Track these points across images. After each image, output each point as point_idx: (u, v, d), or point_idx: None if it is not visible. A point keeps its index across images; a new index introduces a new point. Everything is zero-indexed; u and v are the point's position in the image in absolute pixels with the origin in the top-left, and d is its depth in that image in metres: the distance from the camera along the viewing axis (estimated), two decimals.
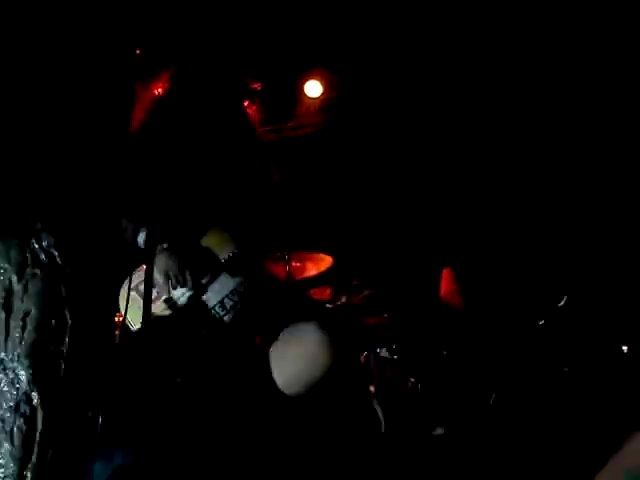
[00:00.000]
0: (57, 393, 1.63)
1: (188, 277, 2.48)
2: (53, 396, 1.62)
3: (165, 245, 2.47)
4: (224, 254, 2.57)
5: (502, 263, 3.72)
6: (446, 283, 3.66)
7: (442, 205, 3.80)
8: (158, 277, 2.51)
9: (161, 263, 2.45)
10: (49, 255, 1.79)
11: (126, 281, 2.49)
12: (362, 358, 4.15)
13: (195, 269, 2.51)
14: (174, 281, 2.47)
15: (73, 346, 1.72)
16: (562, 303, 3.61)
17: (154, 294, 2.50)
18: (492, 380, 3.46)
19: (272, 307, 3.92)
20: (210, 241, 2.62)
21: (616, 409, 3.25)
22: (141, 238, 2.40)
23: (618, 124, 4.22)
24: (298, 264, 4.11)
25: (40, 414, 1.58)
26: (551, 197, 3.99)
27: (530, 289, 3.69)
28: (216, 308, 2.56)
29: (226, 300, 2.60)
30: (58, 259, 1.79)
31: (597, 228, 4.08)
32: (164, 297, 2.49)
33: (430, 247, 3.81)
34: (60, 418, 1.61)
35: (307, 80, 5.43)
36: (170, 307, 2.50)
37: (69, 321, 1.74)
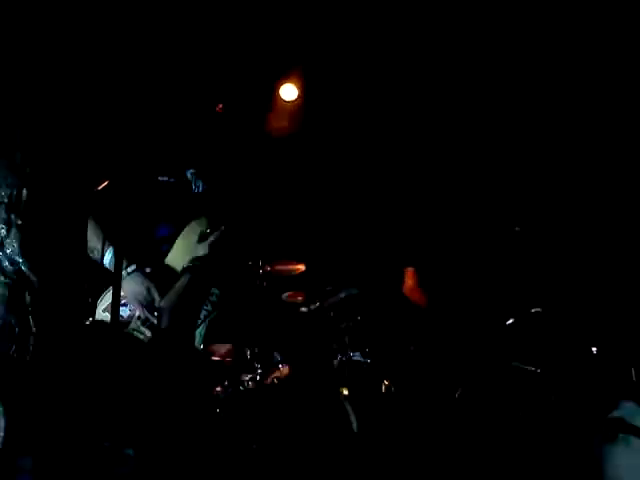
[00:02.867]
0: (19, 399, 1.63)
1: (157, 298, 2.50)
2: (16, 402, 1.63)
3: (130, 269, 2.49)
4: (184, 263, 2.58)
5: (467, 260, 3.76)
6: (409, 281, 3.70)
7: (404, 205, 3.85)
8: (129, 300, 2.52)
9: (129, 288, 2.47)
10: (13, 263, 1.79)
11: (98, 301, 2.50)
12: (335, 362, 4.18)
13: (163, 288, 2.52)
14: (144, 304, 2.48)
15: (37, 353, 1.72)
16: (534, 310, 3.65)
17: (128, 312, 2.52)
18: (458, 375, 3.49)
19: (248, 314, 3.94)
20: (174, 255, 2.63)
21: (583, 408, 3.30)
22: (107, 259, 2.42)
23: (601, 123, 4.26)
24: (270, 269, 4.11)
25: (2, 421, 1.59)
26: (520, 197, 4.03)
27: (496, 287, 3.74)
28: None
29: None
30: (22, 266, 1.79)
31: (569, 228, 4.13)
32: (137, 315, 2.51)
33: (393, 248, 3.85)
34: (22, 422, 1.62)
35: (283, 83, 5.46)
36: (145, 325, 2.52)
37: (33, 328, 1.74)
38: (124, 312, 2.58)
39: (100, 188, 2.51)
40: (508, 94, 4.46)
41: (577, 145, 4.30)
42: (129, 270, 2.51)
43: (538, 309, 3.65)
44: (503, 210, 3.80)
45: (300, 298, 4.33)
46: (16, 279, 1.77)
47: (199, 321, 2.62)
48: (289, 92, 5.49)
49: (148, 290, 2.52)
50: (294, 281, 4.38)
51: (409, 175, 4.40)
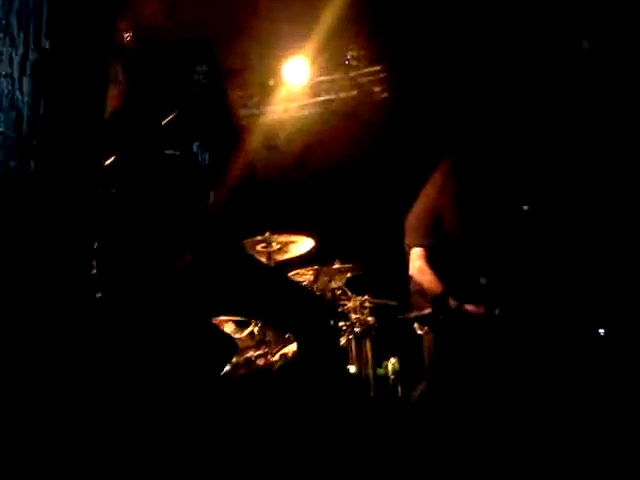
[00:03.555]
0: None
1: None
2: None
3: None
4: None
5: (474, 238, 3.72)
6: (417, 262, 3.65)
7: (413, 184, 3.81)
8: None
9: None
10: None
11: None
12: (343, 340, 4.20)
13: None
14: None
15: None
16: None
17: None
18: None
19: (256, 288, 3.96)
20: None
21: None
22: None
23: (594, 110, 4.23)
24: (279, 246, 4.12)
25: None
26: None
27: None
28: None
29: None
30: None
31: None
32: None
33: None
34: None
35: (290, 63, 5.44)
36: None
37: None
38: None
39: (107, 163, 2.50)
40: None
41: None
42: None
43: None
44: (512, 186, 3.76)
45: (309, 275, 4.33)
46: None
47: None
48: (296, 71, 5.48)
49: None
50: (303, 258, 4.38)
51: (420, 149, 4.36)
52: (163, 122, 2.53)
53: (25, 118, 1.82)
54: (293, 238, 4.21)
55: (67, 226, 1.90)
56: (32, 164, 1.81)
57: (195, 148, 2.62)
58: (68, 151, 1.90)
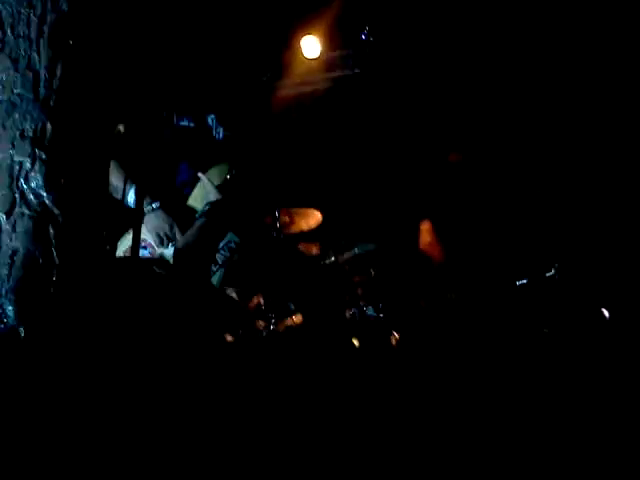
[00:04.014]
0: (43, 327, 1.69)
1: (179, 235, 2.53)
2: (39, 330, 1.68)
3: (154, 205, 2.52)
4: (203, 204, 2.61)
5: (485, 217, 3.75)
6: (425, 235, 3.69)
7: (424, 157, 3.83)
8: (149, 237, 2.56)
9: (151, 223, 2.49)
10: (37, 196, 1.83)
11: (118, 242, 2.52)
12: (347, 314, 4.23)
13: (184, 229, 2.55)
14: (165, 241, 2.51)
15: (59, 284, 1.77)
16: (552, 273, 3.65)
17: (147, 254, 2.56)
18: (470, 331, 3.52)
19: (263, 261, 3.98)
20: (194, 199, 2.66)
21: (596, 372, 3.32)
22: (130, 197, 2.44)
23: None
24: (287, 219, 4.14)
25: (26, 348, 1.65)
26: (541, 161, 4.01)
27: (514, 246, 3.74)
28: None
29: (218, 256, 2.66)
30: (46, 200, 1.83)
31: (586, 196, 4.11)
32: (156, 256, 2.55)
33: (410, 200, 3.84)
34: (46, 351, 1.67)
35: (305, 38, 5.41)
36: (162, 266, 2.55)
37: (56, 260, 1.78)
38: (142, 253, 2.61)
39: (122, 130, 2.52)
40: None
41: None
42: (153, 206, 2.54)
43: (552, 273, 3.66)
44: (521, 166, 3.78)
45: (315, 250, 4.36)
46: (40, 212, 1.81)
47: (216, 267, 2.65)
48: (311, 47, 5.45)
49: (171, 227, 2.55)
50: (310, 233, 4.40)
51: (426, 126, 4.37)
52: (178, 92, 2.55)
53: (42, 80, 1.84)
54: (301, 212, 4.23)
55: (82, 190, 1.92)
56: (49, 126, 1.84)
57: (210, 121, 2.63)
58: (85, 114, 1.92)
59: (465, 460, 2.66)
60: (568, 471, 2.48)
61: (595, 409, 2.95)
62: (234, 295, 3.80)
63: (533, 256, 3.82)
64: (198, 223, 2.56)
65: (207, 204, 2.59)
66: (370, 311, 4.28)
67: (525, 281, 3.70)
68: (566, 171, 4.06)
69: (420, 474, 2.60)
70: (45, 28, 1.85)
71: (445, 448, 2.73)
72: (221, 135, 2.66)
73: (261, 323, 3.89)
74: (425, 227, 3.71)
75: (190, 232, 2.53)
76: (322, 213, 4.24)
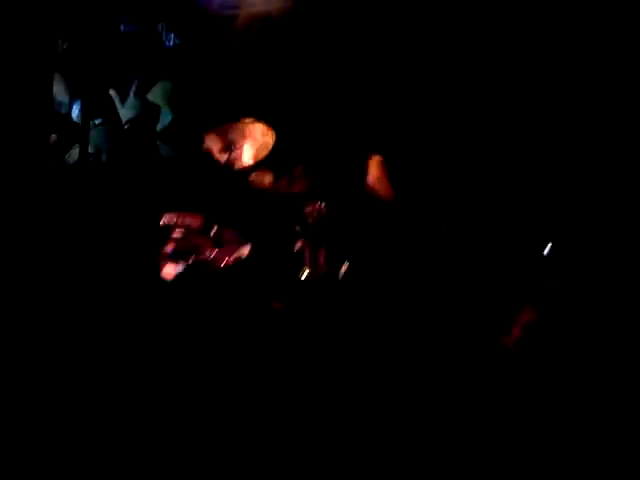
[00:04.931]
0: None
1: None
2: None
3: (99, 120, 2.44)
4: None
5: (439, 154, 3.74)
6: (374, 171, 3.67)
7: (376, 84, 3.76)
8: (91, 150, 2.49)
9: (93, 139, 2.42)
10: None
11: (66, 156, 2.44)
12: (297, 245, 4.23)
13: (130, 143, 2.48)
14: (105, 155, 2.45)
15: None
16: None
17: None
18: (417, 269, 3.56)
19: (211, 190, 3.92)
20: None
21: None
22: (75, 112, 2.36)
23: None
24: (237, 151, 4.05)
25: None
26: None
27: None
28: None
29: None
30: None
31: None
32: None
33: (359, 131, 3.78)
34: None
35: None
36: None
37: None
38: None
39: (64, 45, 2.41)
40: None
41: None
42: (97, 122, 2.48)
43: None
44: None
45: (268, 179, 4.31)
46: None
47: None
48: None
49: (113, 141, 2.49)
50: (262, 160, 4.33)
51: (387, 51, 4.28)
52: None
53: None
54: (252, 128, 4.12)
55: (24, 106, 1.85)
56: None
57: (160, 28, 2.53)
58: (25, 29, 1.83)
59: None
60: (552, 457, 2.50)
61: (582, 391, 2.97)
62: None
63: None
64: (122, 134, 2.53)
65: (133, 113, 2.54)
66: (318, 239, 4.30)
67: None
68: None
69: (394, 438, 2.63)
70: None
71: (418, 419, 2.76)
72: (171, 42, 2.56)
73: (211, 252, 3.86)
74: (375, 162, 3.67)
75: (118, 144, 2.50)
76: (275, 131, 4.12)
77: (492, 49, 3.99)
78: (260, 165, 4.29)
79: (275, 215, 4.19)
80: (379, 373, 3.19)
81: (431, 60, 3.77)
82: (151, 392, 2.36)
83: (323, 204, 4.28)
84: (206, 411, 2.46)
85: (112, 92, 2.50)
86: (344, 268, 4.08)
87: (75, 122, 2.36)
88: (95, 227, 2.27)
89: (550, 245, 3.59)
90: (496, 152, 3.72)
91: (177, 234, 3.67)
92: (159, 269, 3.33)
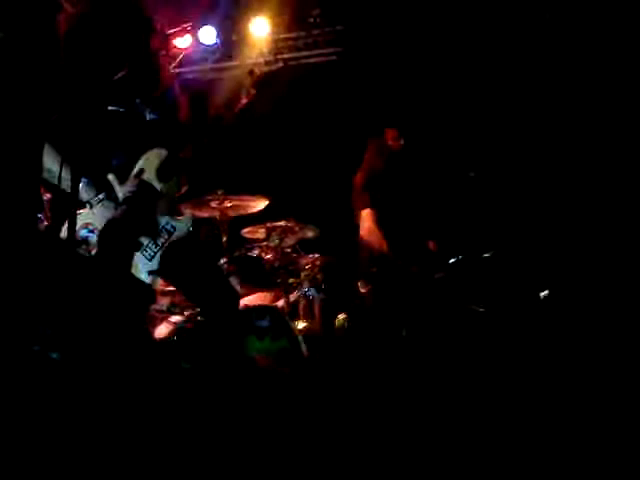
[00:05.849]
0: None
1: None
2: None
3: (101, 196, 2.56)
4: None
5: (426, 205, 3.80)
6: (366, 223, 3.74)
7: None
8: (98, 225, 2.59)
9: (100, 213, 2.54)
10: None
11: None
12: (292, 296, 4.30)
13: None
14: None
15: None
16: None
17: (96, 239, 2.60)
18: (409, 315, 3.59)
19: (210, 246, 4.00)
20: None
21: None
22: (82, 189, 2.47)
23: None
24: (231, 204, 4.15)
25: None
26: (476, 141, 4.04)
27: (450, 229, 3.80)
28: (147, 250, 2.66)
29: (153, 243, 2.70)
30: None
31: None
32: None
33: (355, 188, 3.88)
34: None
35: (255, 19, 5.43)
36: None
37: None
38: (92, 238, 2.63)
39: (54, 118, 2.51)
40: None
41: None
42: (100, 197, 2.59)
43: (488, 254, 3.73)
44: (459, 153, 3.84)
45: (260, 233, 4.40)
46: None
47: (156, 248, 2.68)
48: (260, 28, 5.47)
49: None
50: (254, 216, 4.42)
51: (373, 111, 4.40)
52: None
53: None
54: (246, 198, 4.25)
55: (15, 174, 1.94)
56: None
57: (137, 104, 2.65)
58: (18, 104, 1.92)
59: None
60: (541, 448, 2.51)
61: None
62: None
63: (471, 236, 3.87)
64: (120, 210, 2.60)
65: (129, 191, 2.63)
66: (312, 292, 4.36)
67: (458, 258, 3.74)
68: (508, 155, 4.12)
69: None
70: None
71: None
72: (149, 117, 2.68)
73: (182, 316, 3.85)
74: (367, 214, 3.75)
75: (113, 219, 2.57)
76: (269, 197, 4.25)
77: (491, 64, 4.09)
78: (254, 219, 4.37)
79: (269, 268, 4.27)
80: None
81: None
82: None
83: (316, 257, 4.37)
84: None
85: (110, 176, 2.64)
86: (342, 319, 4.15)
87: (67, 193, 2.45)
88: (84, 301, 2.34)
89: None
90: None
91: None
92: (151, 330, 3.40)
